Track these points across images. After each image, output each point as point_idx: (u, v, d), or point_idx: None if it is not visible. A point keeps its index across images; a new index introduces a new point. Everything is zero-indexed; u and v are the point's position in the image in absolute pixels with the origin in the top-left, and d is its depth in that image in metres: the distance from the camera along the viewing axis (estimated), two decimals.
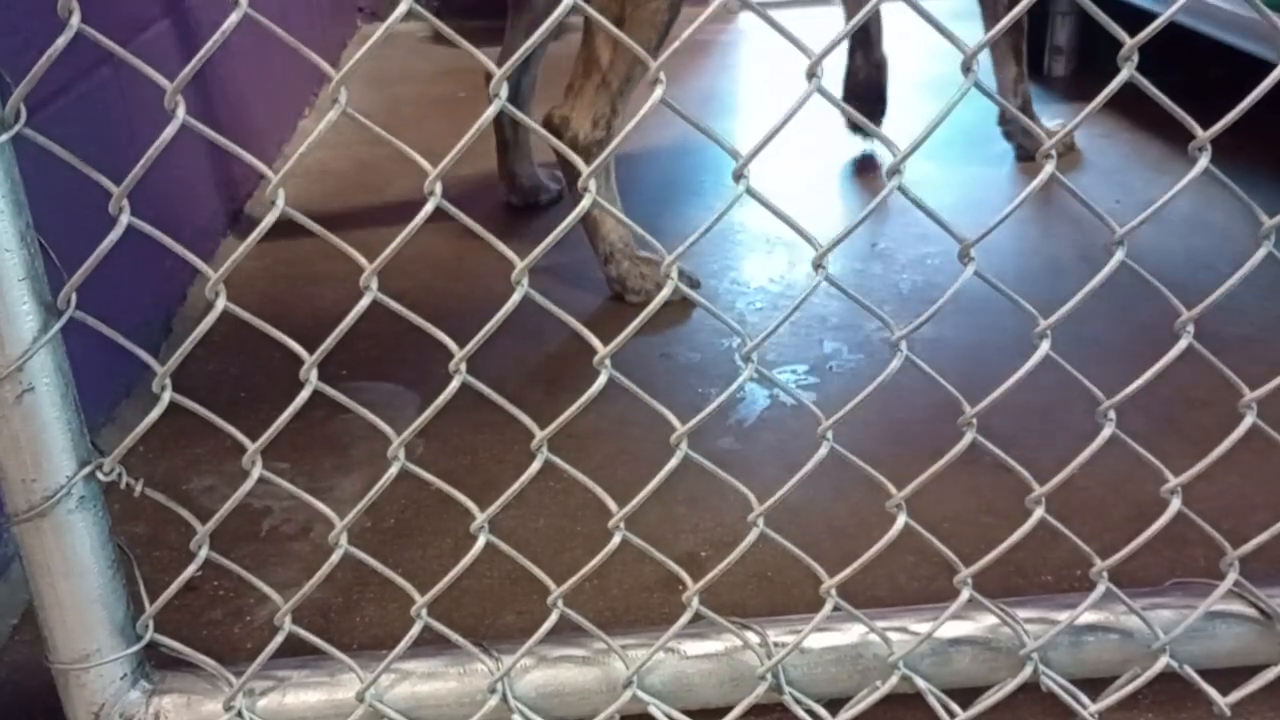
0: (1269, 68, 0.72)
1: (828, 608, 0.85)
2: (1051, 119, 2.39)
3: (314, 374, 0.74)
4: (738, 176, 0.71)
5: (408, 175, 2.30)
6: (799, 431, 1.37)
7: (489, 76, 0.72)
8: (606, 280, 1.75)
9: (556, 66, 3.06)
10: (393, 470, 0.77)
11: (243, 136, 2.15)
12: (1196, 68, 2.28)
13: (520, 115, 0.72)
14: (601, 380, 0.74)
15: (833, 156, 2.36)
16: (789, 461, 1.32)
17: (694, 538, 1.18)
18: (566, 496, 1.25)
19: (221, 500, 1.32)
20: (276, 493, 1.29)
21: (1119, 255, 0.76)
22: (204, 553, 0.80)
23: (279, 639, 0.82)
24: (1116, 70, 0.71)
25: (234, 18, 0.65)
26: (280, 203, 0.70)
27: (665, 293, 0.74)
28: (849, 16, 2.65)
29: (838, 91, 2.43)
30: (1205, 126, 0.73)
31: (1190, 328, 0.78)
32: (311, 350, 0.74)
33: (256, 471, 0.77)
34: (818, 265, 0.75)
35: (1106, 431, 0.80)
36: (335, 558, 0.80)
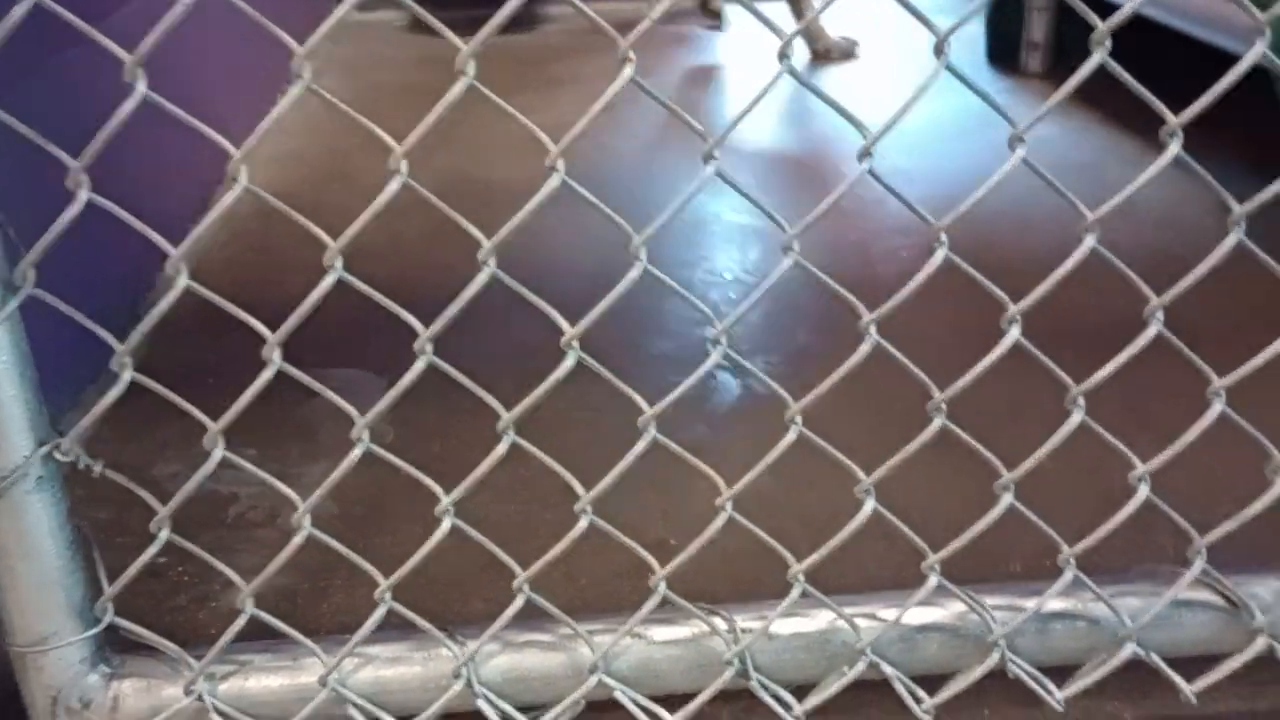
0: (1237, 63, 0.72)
1: (795, 593, 0.84)
2: (1027, 113, 2.40)
3: (277, 354, 0.73)
4: (707, 158, 0.71)
5: (382, 163, 2.28)
6: (771, 421, 1.36)
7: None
8: (821, 53, 2.97)
9: (522, 58, 3.05)
10: (355, 452, 0.76)
11: (211, 122, 2.13)
12: (1174, 67, 2.29)
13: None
14: (569, 362, 0.74)
15: (811, 145, 2.36)
16: (761, 451, 1.32)
17: (663, 525, 1.18)
18: (537, 482, 1.24)
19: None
20: (244, 479, 1.28)
21: (1089, 241, 0.76)
22: (164, 534, 0.79)
23: (240, 622, 0.81)
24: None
25: None
26: (243, 179, 0.69)
27: (634, 274, 0.73)
28: (795, 12, 3.01)
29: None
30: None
31: (1160, 314, 0.78)
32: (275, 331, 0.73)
33: (218, 453, 0.76)
34: (787, 248, 0.75)
35: (1076, 418, 0.80)
36: (298, 539, 0.79)
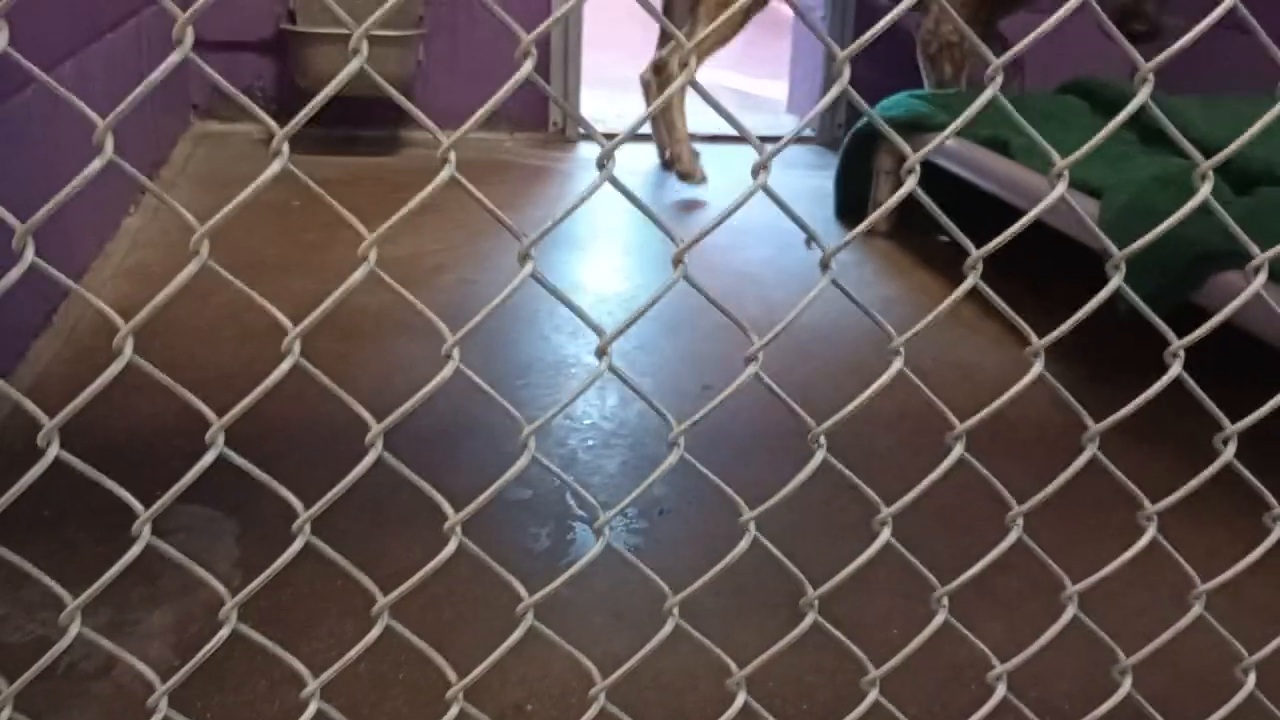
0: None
1: None
2: (874, 269, 2.50)
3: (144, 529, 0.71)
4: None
5: (241, 282, 2.22)
6: (629, 578, 1.37)
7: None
8: (683, 175, 3.22)
9: (388, 181, 3.05)
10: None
11: (61, 232, 2.06)
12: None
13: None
14: (452, 547, 0.74)
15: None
16: (619, 608, 1.32)
17: (520, 690, 1.16)
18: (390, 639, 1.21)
19: (17, 633, 1.24)
20: None
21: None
22: None
23: None
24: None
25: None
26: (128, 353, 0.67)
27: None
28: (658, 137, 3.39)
29: None
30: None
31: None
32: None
33: (74, 630, 0.73)
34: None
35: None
36: None
